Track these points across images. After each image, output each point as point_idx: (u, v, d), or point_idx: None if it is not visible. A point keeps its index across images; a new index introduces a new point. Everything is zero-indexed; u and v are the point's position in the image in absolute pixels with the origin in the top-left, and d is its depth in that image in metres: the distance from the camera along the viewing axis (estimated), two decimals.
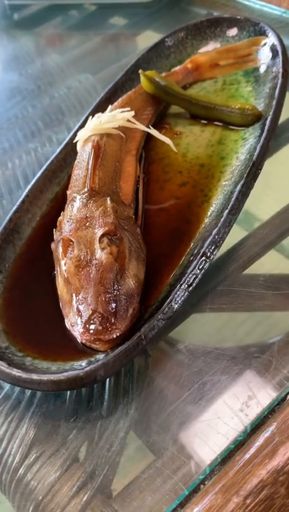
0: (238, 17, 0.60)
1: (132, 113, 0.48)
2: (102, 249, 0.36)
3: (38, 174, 0.49)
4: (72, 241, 0.37)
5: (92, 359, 0.35)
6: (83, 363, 0.35)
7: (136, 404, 0.36)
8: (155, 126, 0.53)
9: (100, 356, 0.35)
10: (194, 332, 0.39)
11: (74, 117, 0.62)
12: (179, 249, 0.42)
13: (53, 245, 0.40)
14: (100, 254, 0.36)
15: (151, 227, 0.45)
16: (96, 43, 0.80)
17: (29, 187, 0.48)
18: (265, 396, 0.34)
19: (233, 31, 0.61)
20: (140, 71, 0.52)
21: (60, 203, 0.46)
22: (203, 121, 0.53)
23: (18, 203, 0.46)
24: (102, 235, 0.37)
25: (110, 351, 0.35)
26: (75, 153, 0.49)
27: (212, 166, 0.48)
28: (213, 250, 0.39)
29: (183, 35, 0.62)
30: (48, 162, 0.50)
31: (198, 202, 0.46)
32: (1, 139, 0.62)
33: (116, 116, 0.46)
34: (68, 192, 0.44)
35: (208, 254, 0.39)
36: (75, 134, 0.50)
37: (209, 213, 0.44)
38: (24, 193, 0.47)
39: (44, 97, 0.68)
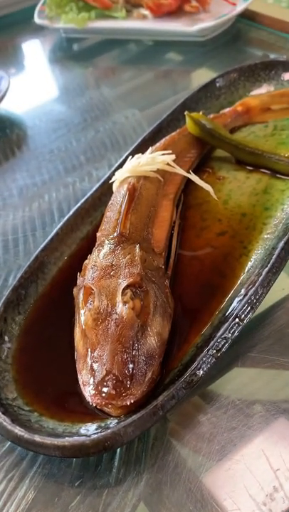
0: None
1: (173, 157, 0.45)
2: (124, 302, 0.33)
3: (71, 212, 0.47)
4: (94, 290, 0.35)
5: (103, 424, 0.32)
6: (92, 428, 0.32)
7: (148, 476, 0.33)
8: (198, 169, 0.51)
9: (111, 422, 0.32)
10: (219, 401, 0.35)
11: (116, 153, 0.61)
12: (210, 306, 0.39)
13: (75, 290, 0.38)
14: (121, 309, 0.33)
15: (182, 278, 0.41)
16: (148, 78, 0.80)
17: (60, 225, 0.46)
18: None
19: (288, 75, 0.58)
20: (186, 113, 0.50)
21: (90, 243, 0.44)
22: (248, 168, 0.50)
23: (46, 241, 0.44)
24: (126, 287, 0.34)
25: (123, 417, 0.31)
26: (111, 192, 0.47)
27: (254, 217, 0.45)
28: (248, 313, 0.36)
29: (235, 76, 0.61)
30: (83, 200, 0.48)
31: (236, 254, 0.42)
32: (41, 171, 0.62)
33: (155, 159, 0.44)
34: (98, 234, 0.42)
35: (242, 316, 0.35)
36: (113, 173, 0.48)
37: (247, 268, 0.40)
38: (54, 231, 0.45)
39: (89, 131, 0.67)
